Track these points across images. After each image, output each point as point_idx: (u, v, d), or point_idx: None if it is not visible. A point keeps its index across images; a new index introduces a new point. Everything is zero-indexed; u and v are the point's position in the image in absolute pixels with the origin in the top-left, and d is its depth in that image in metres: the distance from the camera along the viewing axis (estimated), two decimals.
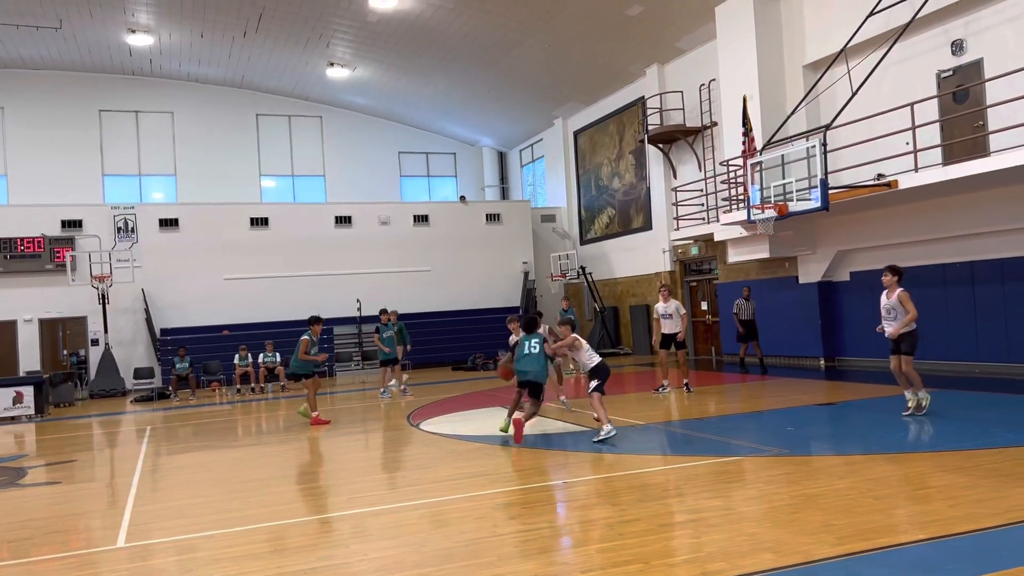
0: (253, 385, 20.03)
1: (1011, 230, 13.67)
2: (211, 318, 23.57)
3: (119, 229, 23.04)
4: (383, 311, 17.30)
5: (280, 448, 11.07)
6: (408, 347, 18.28)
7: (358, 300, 23.91)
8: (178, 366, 19.65)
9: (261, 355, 20.31)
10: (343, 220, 25.45)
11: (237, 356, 20.27)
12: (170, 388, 19.73)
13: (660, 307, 14.25)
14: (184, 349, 19.99)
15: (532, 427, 10.96)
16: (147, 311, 22.90)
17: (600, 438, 9.38)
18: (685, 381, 14.23)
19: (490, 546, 5.58)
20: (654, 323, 14.39)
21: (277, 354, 20.49)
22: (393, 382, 17.42)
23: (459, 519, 6.42)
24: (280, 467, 9.55)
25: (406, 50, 24.46)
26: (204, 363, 21.52)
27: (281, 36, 24.33)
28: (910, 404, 10.17)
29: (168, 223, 23.65)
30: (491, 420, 12.20)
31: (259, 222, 24.56)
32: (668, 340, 14.13)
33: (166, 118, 28.91)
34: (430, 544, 5.73)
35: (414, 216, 26.34)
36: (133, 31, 23.90)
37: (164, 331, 22.95)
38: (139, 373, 22.23)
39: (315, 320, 13.48)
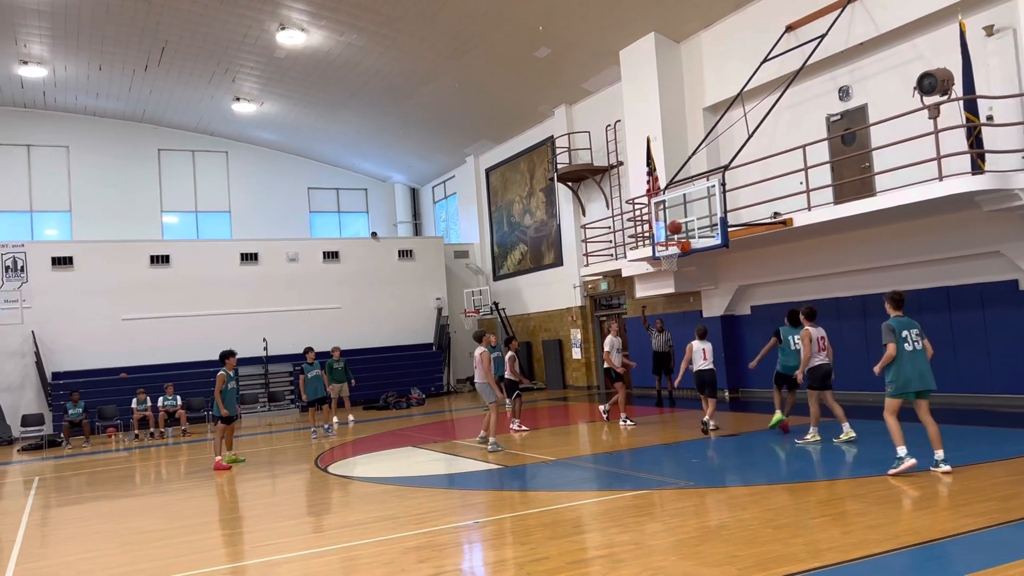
0: (152, 430, 19.19)
1: (897, 265, 14.47)
2: (108, 360, 22.54)
3: (7, 268, 21.87)
4: (308, 349, 16.98)
5: (181, 496, 10.60)
6: (352, 382, 18.74)
7: (264, 339, 23.32)
8: (71, 412, 18.65)
9: (161, 398, 19.52)
10: (249, 257, 24.86)
11: (135, 400, 19.41)
12: (62, 435, 18.68)
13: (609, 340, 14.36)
14: (78, 393, 19.01)
15: (444, 467, 10.85)
16: (37, 354, 21.72)
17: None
18: (622, 414, 14.24)
19: None
20: (605, 356, 14.44)
21: (178, 397, 19.75)
22: (336, 419, 17.85)
23: (367, 565, 6.28)
24: (180, 516, 9.14)
25: (315, 86, 24.30)
26: (99, 408, 20.48)
27: (185, 70, 23.80)
28: (841, 436, 10.61)
29: (61, 261, 22.59)
30: (402, 461, 12.02)
31: (160, 260, 23.74)
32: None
33: (60, 152, 27.77)
34: None
35: (324, 252, 25.97)
36: (25, 62, 22.96)
37: (56, 375, 21.80)
38: (27, 420, 20.90)
39: (228, 354, 12.99)
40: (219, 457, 12.59)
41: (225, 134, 29.72)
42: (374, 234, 28.42)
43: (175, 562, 6.80)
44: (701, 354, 12.79)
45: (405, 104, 25.07)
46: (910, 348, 8.07)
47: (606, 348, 14.20)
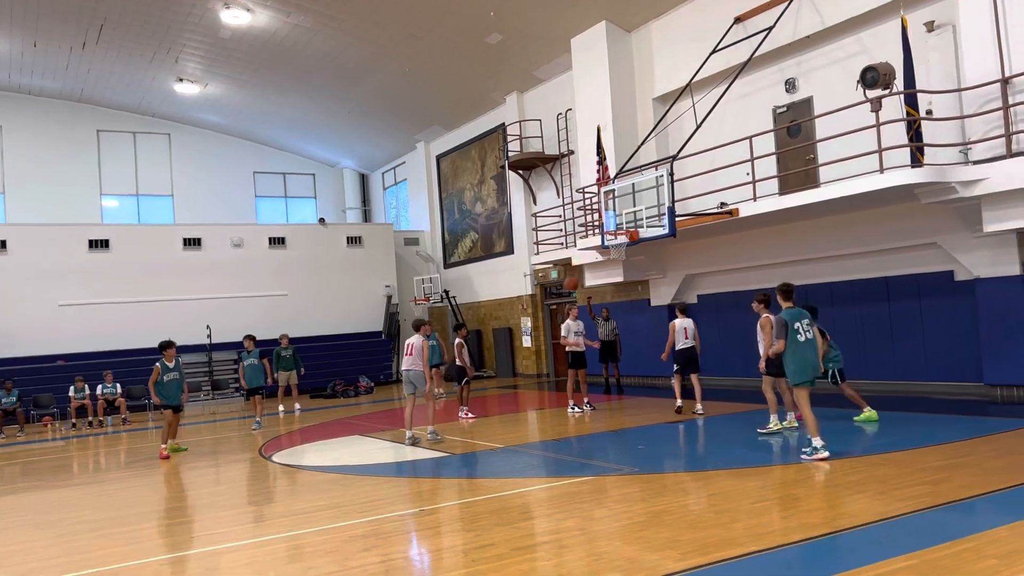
0: (91, 419, 18.68)
1: (838, 256, 14.79)
2: (44, 347, 21.86)
3: None
4: (247, 337, 16.10)
5: (119, 486, 10.34)
6: (301, 370, 18.56)
7: (208, 327, 22.85)
8: (4, 400, 18.03)
9: (100, 386, 19.00)
10: (192, 242, 24.31)
11: (73, 388, 18.86)
12: None
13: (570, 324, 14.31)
14: (11, 382, 18.38)
15: (391, 456, 10.78)
16: None
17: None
18: (570, 401, 14.30)
19: None
20: (562, 340, 14.49)
21: (118, 385, 19.25)
22: (282, 408, 17.78)
23: (311, 554, 6.20)
24: (119, 507, 8.90)
25: (262, 68, 23.80)
26: (35, 396, 19.85)
27: (125, 49, 23.08)
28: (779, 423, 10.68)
29: None
30: (349, 449, 11.91)
31: (99, 244, 23.07)
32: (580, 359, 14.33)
33: None
34: None
35: (270, 238, 25.52)
36: None
37: None
38: None
39: (166, 345, 12.65)
40: (163, 446, 12.33)
41: (168, 116, 28.96)
42: (322, 220, 28.03)
43: (112, 553, 6.62)
44: (683, 332, 12.87)
45: (355, 88, 24.73)
46: (803, 338, 8.38)
47: (563, 332, 14.23)
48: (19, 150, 27.00)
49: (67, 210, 26.42)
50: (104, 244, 23.14)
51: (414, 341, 11.90)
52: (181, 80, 25.27)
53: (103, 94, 27.08)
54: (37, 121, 27.26)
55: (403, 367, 11.98)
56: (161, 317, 22.77)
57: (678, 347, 12.91)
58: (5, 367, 20.56)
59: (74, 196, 27.46)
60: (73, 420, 18.69)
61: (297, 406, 18.49)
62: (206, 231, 24.73)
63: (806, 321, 8.49)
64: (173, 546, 6.93)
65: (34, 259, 22.10)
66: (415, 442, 11.64)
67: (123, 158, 28.87)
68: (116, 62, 24.12)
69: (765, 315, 10.48)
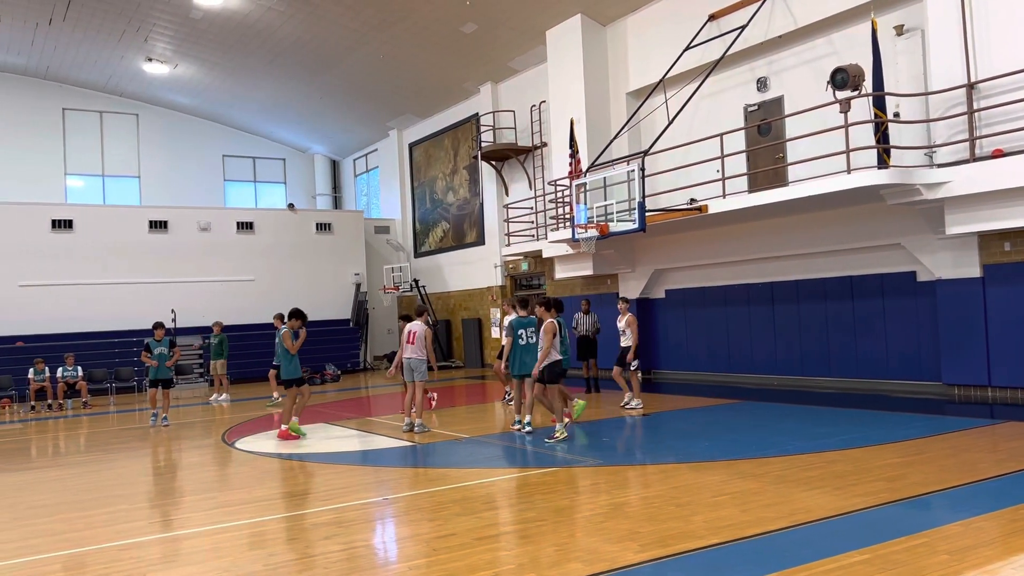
0: (51, 401, 18.37)
1: (805, 254, 14.99)
2: (2, 329, 21.44)
3: None
4: (157, 325, 14.31)
5: (79, 470, 10.19)
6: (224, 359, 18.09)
7: (173, 311, 22.55)
8: None
9: (60, 369, 18.69)
10: (158, 225, 23.96)
11: (32, 370, 18.52)
12: None
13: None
14: None
15: (356, 444, 10.73)
16: None
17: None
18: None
19: (299, 568, 5.39)
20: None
21: (79, 368, 18.95)
22: (220, 395, 17.67)
23: (272, 541, 6.17)
24: (77, 491, 8.77)
25: (233, 50, 23.48)
26: None
27: (92, 26, 22.64)
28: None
29: None
30: (314, 437, 11.84)
31: (62, 224, 22.65)
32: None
33: None
34: (236, 568, 5.45)
35: (238, 223, 25.24)
36: None
37: None
38: None
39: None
40: (285, 426, 11.72)
41: (136, 96, 28.48)
42: (291, 205, 27.77)
43: (69, 537, 6.53)
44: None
45: (327, 73, 24.49)
46: (523, 343, 10.65)
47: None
48: None
49: (30, 189, 25.91)
50: (68, 224, 22.73)
51: (415, 328, 11.64)
52: (150, 60, 24.86)
53: (70, 72, 26.55)
54: (1, 98, 26.64)
55: (404, 355, 11.65)
56: (125, 300, 22.47)
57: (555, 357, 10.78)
58: None
59: (38, 175, 26.94)
60: (32, 403, 18.37)
61: (225, 395, 18.06)
62: (173, 214, 24.39)
63: (531, 329, 10.67)
64: (133, 531, 6.85)
65: None
66: (412, 428, 11.44)
67: (89, 137, 28.36)
68: (83, 40, 23.66)
69: (630, 315, 12.97)
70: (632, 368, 13.05)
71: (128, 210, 24.70)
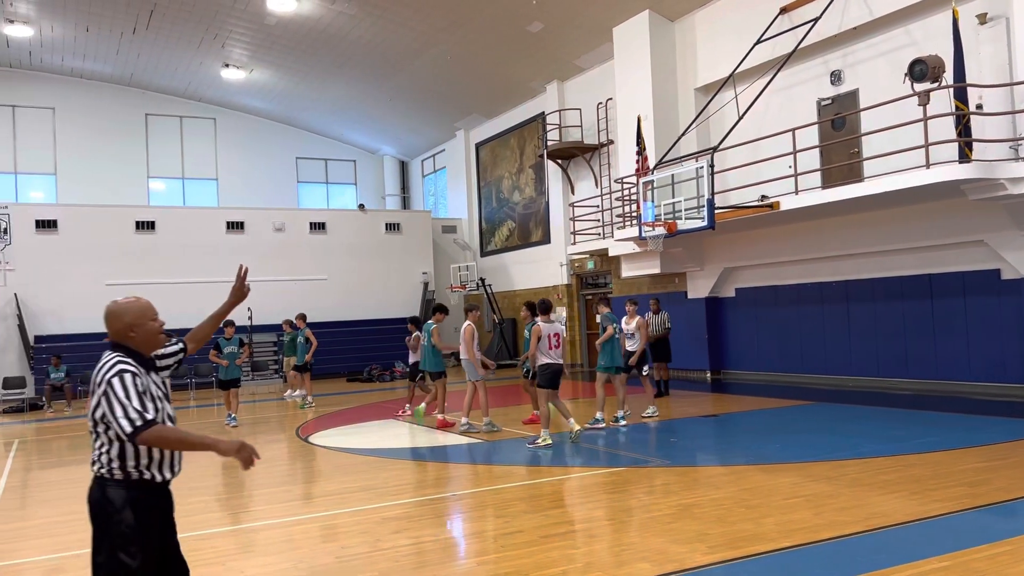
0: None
1: (881, 252, 14.54)
2: (90, 325, 22.33)
3: None
4: (227, 323, 14.12)
5: None
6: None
7: (249, 309, 23.22)
8: (52, 375, 18.58)
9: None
10: (235, 226, 24.71)
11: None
12: (43, 399, 18.62)
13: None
14: (59, 358, 18.92)
15: (424, 440, 10.88)
16: (20, 317, 21.59)
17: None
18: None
19: (370, 561, 5.51)
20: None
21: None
22: (296, 391, 17.77)
23: (344, 534, 6.32)
24: None
25: (305, 54, 24.04)
26: (83, 372, 20.39)
27: (173, 35, 23.48)
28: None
29: (46, 224, 22.40)
30: (382, 432, 12.07)
31: (145, 226, 23.57)
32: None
33: (46, 114, 27.41)
34: (309, 560, 5.61)
35: (310, 223, 25.84)
36: (12, 21, 22.58)
37: (38, 338, 21.69)
38: (9, 383, 20.85)
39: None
40: (442, 415, 12.14)
41: (213, 100, 29.41)
42: (361, 206, 28.29)
43: None
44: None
45: (396, 76, 24.86)
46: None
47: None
48: (71, 132, 27.63)
49: (115, 192, 26.99)
50: (151, 226, 23.64)
51: (463, 327, 11.58)
52: (227, 66, 25.64)
53: (152, 78, 27.59)
54: (88, 104, 27.86)
55: (461, 354, 11.67)
56: (203, 298, 23.02)
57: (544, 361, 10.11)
58: (54, 343, 21.17)
59: (122, 178, 28.04)
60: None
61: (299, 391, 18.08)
62: (249, 215, 25.13)
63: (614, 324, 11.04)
64: (210, 523, 7.10)
65: (83, 239, 22.66)
66: (469, 428, 11.32)
67: (170, 141, 29.41)
68: (164, 47, 24.55)
69: (639, 317, 12.20)
70: (644, 373, 12.29)
71: (207, 211, 25.57)
